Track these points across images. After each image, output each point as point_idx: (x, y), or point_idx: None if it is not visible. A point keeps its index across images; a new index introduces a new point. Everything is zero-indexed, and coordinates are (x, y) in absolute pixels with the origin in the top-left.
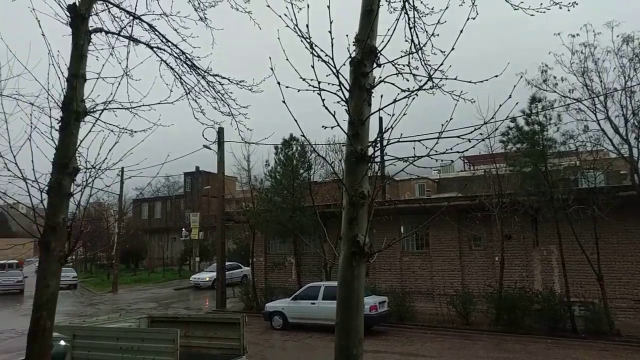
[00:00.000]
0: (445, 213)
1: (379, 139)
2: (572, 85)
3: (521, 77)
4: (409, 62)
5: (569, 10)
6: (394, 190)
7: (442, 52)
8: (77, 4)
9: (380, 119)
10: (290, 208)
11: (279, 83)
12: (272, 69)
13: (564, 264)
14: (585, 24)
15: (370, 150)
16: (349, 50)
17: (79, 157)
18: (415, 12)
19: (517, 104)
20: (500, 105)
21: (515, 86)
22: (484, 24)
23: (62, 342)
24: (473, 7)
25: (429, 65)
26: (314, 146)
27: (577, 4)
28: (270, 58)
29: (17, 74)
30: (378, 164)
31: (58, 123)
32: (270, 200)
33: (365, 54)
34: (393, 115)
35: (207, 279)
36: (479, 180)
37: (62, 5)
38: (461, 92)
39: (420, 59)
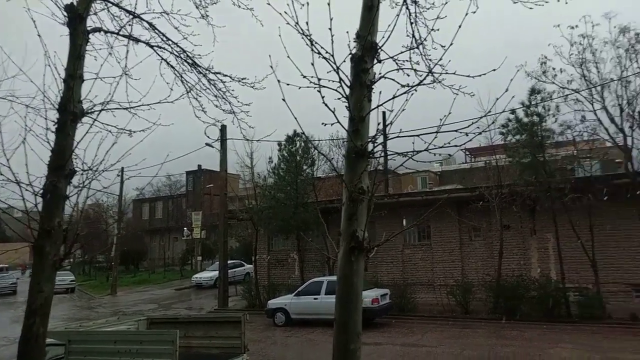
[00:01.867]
0: (446, 205)
1: (379, 135)
2: (571, 76)
3: (519, 70)
4: (410, 57)
5: (566, 2)
6: (396, 184)
7: (442, 46)
8: (75, 3)
9: (384, 113)
10: (293, 204)
11: (279, 81)
12: (272, 67)
13: (559, 251)
14: (584, 16)
15: (370, 146)
16: (349, 47)
17: (76, 158)
18: (417, 7)
19: (513, 97)
20: (497, 99)
21: (512, 80)
22: (491, 18)
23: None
24: (473, 0)
25: (430, 60)
26: (313, 142)
27: None
28: (270, 56)
29: (11, 75)
30: (379, 159)
31: (54, 125)
32: (273, 197)
33: (366, 50)
34: (392, 111)
35: (209, 278)
36: (479, 172)
37: (59, 5)
38: (460, 86)
39: (421, 53)
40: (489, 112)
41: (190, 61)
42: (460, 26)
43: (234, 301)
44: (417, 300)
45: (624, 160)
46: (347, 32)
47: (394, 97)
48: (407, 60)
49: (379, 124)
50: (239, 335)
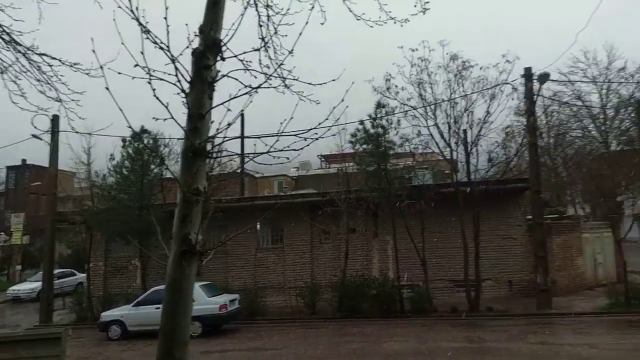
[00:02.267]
0: (299, 209)
1: (219, 133)
2: (410, 94)
3: (357, 85)
4: (259, 59)
5: (401, 25)
6: (252, 187)
7: (290, 52)
8: None
9: (242, 115)
10: (137, 206)
11: (101, 67)
12: (93, 51)
13: (396, 252)
14: (423, 41)
15: (209, 146)
16: (189, 40)
17: None
18: (269, 9)
19: (347, 107)
20: (334, 107)
21: (347, 91)
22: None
23: None
24: (321, 13)
25: (279, 64)
26: (143, 140)
27: (409, 21)
28: (92, 39)
29: None
30: (218, 159)
31: None
32: (114, 197)
33: (209, 46)
34: (227, 111)
35: (31, 289)
36: (332, 178)
37: None
38: (302, 92)
39: (271, 57)
40: (325, 120)
41: (6, 37)
42: (300, 34)
43: (61, 315)
44: (268, 304)
45: (451, 171)
46: (187, 24)
47: (234, 97)
48: (250, 61)
49: (229, 124)
50: (58, 354)
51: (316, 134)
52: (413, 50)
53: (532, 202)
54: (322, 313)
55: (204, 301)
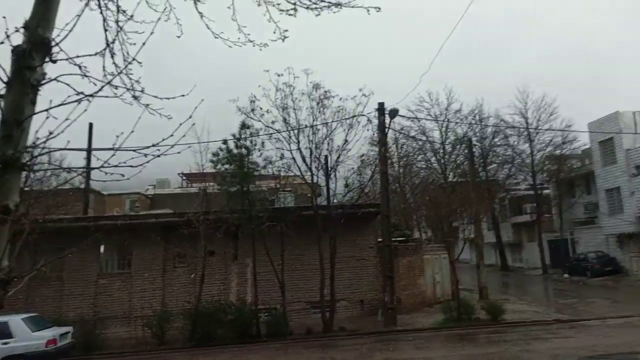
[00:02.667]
0: (152, 230)
1: (39, 143)
2: (275, 117)
3: (227, 104)
4: (103, 66)
5: (260, 49)
6: (99, 205)
7: (139, 62)
8: None
9: (91, 125)
10: None
11: None
12: None
13: (255, 275)
14: (288, 67)
15: (27, 157)
16: (7, 34)
17: None
18: (120, 14)
19: (193, 124)
20: (180, 124)
21: (197, 107)
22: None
23: None
24: (178, 25)
25: (119, 72)
26: None
27: (267, 46)
28: None
29: None
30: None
31: None
32: None
33: (35, 44)
34: (46, 118)
35: None
36: (193, 198)
37: None
38: (150, 104)
39: (117, 64)
40: (170, 136)
41: None
42: (144, 43)
43: None
44: (110, 336)
45: (311, 195)
46: (4, 17)
47: (60, 105)
48: (86, 67)
49: (50, 133)
50: None
51: (158, 150)
52: (279, 75)
53: (382, 226)
54: (172, 343)
55: (28, 336)
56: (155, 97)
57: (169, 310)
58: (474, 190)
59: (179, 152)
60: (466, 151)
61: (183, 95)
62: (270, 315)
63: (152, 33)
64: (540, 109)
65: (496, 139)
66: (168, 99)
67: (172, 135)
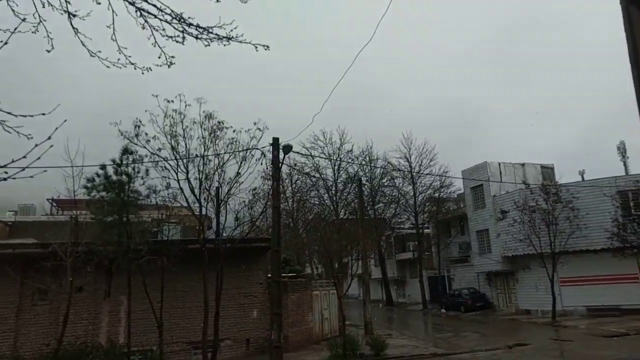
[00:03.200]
0: (7, 262)
1: None
2: (163, 144)
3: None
4: None
5: (142, 73)
6: None
7: None
8: None
9: None
10: None
11: None
12: None
13: (129, 314)
14: (180, 94)
15: None
16: None
17: None
18: None
19: (52, 146)
20: (36, 145)
21: (57, 128)
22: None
23: None
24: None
25: None
26: None
27: (151, 70)
28: None
29: None
30: None
31: None
32: None
33: None
34: None
35: None
36: (63, 226)
37: None
38: (5, 121)
39: None
40: (22, 158)
41: None
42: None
43: None
44: None
45: (198, 227)
46: None
47: None
48: None
49: None
50: None
51: (6, 172)
52: (169, 102)
53: (272, 261)
54: None
55: None
56: (9, 113)
57: (22, 355)
58: (363, 227)
59: (32, 177)
60: (356, 190)
61: (44, 114)
62: (145, 357)
63: (5, 43)
64: (422, 154)
65: (384, 180)
66: (25, 116)
67: (24, 157)
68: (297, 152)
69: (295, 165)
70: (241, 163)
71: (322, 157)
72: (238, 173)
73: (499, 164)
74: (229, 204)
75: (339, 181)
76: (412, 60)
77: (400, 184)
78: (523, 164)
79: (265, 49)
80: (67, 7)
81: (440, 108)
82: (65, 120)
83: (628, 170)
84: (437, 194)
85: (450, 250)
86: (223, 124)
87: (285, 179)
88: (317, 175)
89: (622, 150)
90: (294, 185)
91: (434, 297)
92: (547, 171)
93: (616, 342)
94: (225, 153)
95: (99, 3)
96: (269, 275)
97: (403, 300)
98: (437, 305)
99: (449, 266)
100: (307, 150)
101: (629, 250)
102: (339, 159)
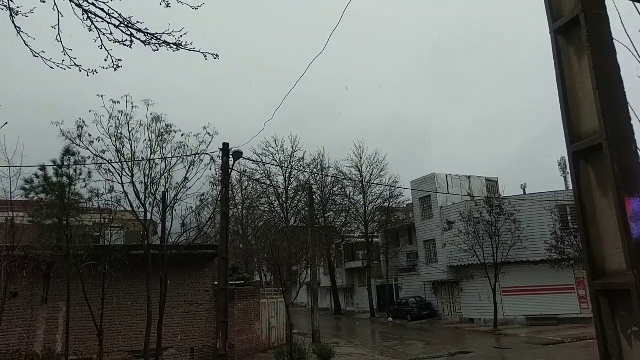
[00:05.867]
0: None
1: None
2: (107, 146)
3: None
4: None
5: (87, 75)
6: None
7: None
8: None
9: None
10: None
11: None
12: None
13: (68, 321)
14: (127, 95)
15: None
16: None
17: None
18: None
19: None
20: None
21: None
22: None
23: None
24: None
25: None
26: None
27: (97, 72)
28: None
29: None
30: None
31: None
32: None
33: None
34: None
35: None
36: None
37: None
38: None
39: None
40: None
41: None
42: None
43: None
44: None
45: (142, 233)
46: None
47: None
48: None
49: None
50: None
51: None
52: (115, 102)
53: (219, 269)
54: None
55: None
56: None
57: None
58: (313, 235)
59: (25, 185)
60: (307, 198)
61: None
62: None
63: None
64: (373, 164)
65: (335, 189)
66: None
67: None
68: (248, 159)
69: (245, 172)
70: (189, 168)
71: (273, 164)
72: (186, 178)
73: (447, 175)
74: (175, 210)
75: (289, 189)
76: (360, 76)
77: (351, 193)
78: (469, 177)
79: (215, 58)
80: (8, 4)
81: (388, 123)
82: (7, 123)
83: (567, 186)
84: (386, 204)
85: (398, 259)
86: (171, 127)
87: (235, 185)
88: (268, 182)
89: (562, 166)
90: (244, 191)
91: (381, 306)
92: (492, 184)
93: (553, 349)
94: (172, 157)
95: (44, 1)
96: (216, 283)
97: (351, 309)
98: (385, 313)
99: (397, 275)
100: (259, 156)
101: (566, 262)
102: (290, 167)
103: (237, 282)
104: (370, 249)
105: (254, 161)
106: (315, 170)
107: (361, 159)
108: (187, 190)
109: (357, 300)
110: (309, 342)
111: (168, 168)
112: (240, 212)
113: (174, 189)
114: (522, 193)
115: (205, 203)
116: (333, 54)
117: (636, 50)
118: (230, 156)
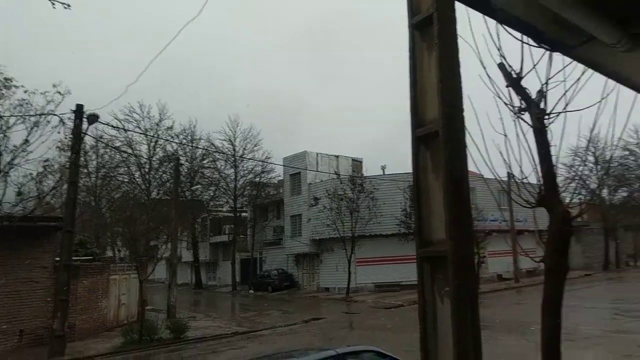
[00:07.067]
0: None
1: None
2: None
3: None
4: None
5: None
6: None
7: None
8: None
9: None
10: None
11: None
12: None
13: None
14: None
15: None
16: None
17: None
18: None
19: None
20: None
21: None
22: None
23: None
24: None
25: None
26: None
27: None
28: None
29: None
30: None
31: None
32: None
33: None
34: None
35: None
36: None
37: None
38: None
39: None
40: None
41: None
42: None
43: None
44: None
45: None
46: None
47: None
48: None
49: None
50: None
51: None
52: None
53: (62, 243)
54: None
55: None
56: None
57: None
58: (176, 209)
59: None
60: (173, 169)
61: None
62: None
63: None
64: (247, 139)
65: (205, 161)
66: None
67: None
68: (106, 124)
69: (101, 137)
70: (32, 129)
71: (136, 132)
72: (26, 140)
73: (317, 154)
74: (9, 176)
75: (154, 159)
76: (236, 47)
77: (222, 167)
78: (337, 156)
79: (66, 8)
80: None
81: (264, 96)
82: None
83: None
84: (257, 179)
85: (265, 233)
86: (12, 81)
87: (89, 152)
88: (129, 150)
89: None
90: (100, 159)
91: (244, 279)
92: (357, 164)
93: (392, 312)
94: (11, 116)
95: None
96: (57, 259)
97: (213, 283)
98: (247, 286)
99: (263, 249)
100: (120, 122)
101: (412, 235)
102: (156, 135)
103: (85, 258)
104: (237, 222)
105: (114, 127)
106: (184, 140)
107: (235, 132)
108: (27, 154)
109: (220, 274)
110: (163, 318)
111: (4, 128)
112: (93, 181)
113: (11, 152)
114: (382, 173)
115: (49, 170)
116: (214, 18)
117: (477, 47)
118: (85, 119)
